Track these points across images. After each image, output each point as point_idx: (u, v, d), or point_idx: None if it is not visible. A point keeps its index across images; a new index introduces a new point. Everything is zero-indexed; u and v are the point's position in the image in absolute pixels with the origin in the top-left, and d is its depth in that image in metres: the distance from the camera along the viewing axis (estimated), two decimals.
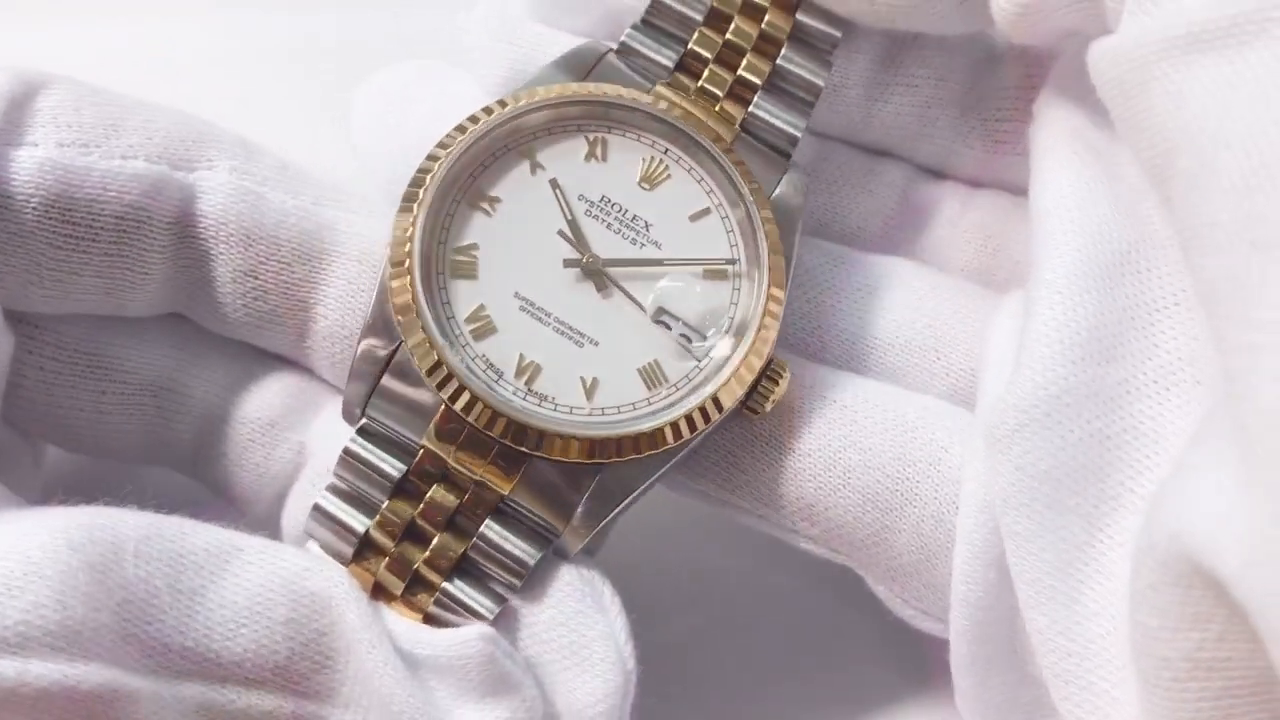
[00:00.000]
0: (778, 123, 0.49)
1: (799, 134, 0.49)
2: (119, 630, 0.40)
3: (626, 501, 0.45)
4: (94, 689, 0.39)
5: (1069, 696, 0.42)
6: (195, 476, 0.52)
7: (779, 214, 0.47)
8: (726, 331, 0.46)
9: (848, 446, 0.47)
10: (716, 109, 0.49)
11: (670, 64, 0.49)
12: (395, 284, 0.45)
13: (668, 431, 0.45)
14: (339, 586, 0.43)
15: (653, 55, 0.49)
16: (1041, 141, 0.48)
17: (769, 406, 0.46)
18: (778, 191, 0.48)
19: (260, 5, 0.66)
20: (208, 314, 0.49)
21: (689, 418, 0.45)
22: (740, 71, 0.49)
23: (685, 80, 0.49)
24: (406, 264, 0.45)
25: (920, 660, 0.51)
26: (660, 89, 0.48)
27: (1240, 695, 0.38)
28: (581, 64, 0.49)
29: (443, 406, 0.45)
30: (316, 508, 0.46)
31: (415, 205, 0.46)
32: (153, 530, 0.41)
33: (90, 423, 0.49)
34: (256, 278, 0.47)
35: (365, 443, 0.46)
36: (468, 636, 0.43)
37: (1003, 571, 0.44)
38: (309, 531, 0.46)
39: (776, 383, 0.46)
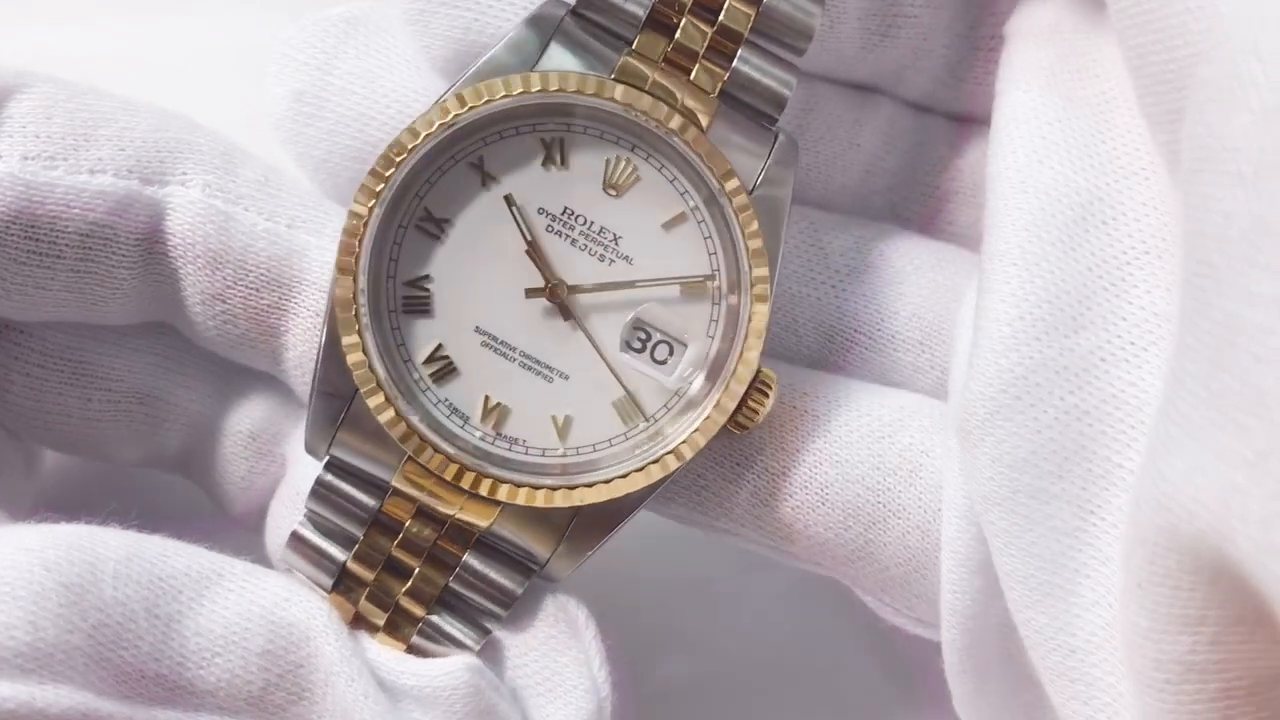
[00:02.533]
0: (766, 81, 0.43)
1: (789, 93, 0.43)
2: (92, 654, 0.39)
3: (609, 536, 0.44)
4: (63, 713, 0.38)
5: (1075, 695, 0.41)
6: (194, 481, 0.50)
7: (764, 206, 0.43)
8: (703, 365, 0.43)
9: (822, 461, 0.44)
10: (691, 77, 0.43)
11: (642, 11, 0.43)
12: (346, 339, 0.41)
13: (639, 474, 0.42)
14: (318, 618, 0.42)
15: (620, 2, 0.43)
16: (1006, 73, 0.43)
17: (753, 427, 0.43)
18: (763, 176, 0.43)
19: (264, 4, 0.59)
20: (185, 329, 0.46)
21: (665, 458, 0.42)
22: (721, 18, 0.43)
23: (656, 39, 0.43)
24: (354, 310, 0.41)
25: (911, 663, 0.50)
26: (627, 61, 0.42)
27: (1238, 696, 0.37)
28: (538, 37, 0.42)
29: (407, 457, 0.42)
30: (295, 536, 0.45)
31: (358, 241, 0.41)
32: (133, 551, 0.40)
33: (79, 428, 0.47)
34: (225, 301, 0.44)
35: (335, 478, 0.44)
36: (453, 667, 0.42)
37: (991, 576, 0.42)
38: (286, 560, 0.45)
39: (765, 396, 0.43)
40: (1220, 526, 0.33)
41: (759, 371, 0.43)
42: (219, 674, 0.40)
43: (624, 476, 0.42)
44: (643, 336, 0.43)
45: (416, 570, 0.44)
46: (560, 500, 0.42)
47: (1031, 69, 0.44)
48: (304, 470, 0.46)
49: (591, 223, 0.43)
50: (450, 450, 0.42)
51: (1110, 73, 0.43)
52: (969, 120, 0.50)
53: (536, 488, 0.42)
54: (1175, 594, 0.36)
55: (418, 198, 0.42)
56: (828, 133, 0.48)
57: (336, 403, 0.42)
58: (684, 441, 0.42)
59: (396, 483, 0.43)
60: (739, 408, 0.43)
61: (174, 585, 0.40)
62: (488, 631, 0.44)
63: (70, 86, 0.44)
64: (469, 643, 0.44)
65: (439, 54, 0.45)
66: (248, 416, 0.48)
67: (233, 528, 0.48)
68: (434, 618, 0.44)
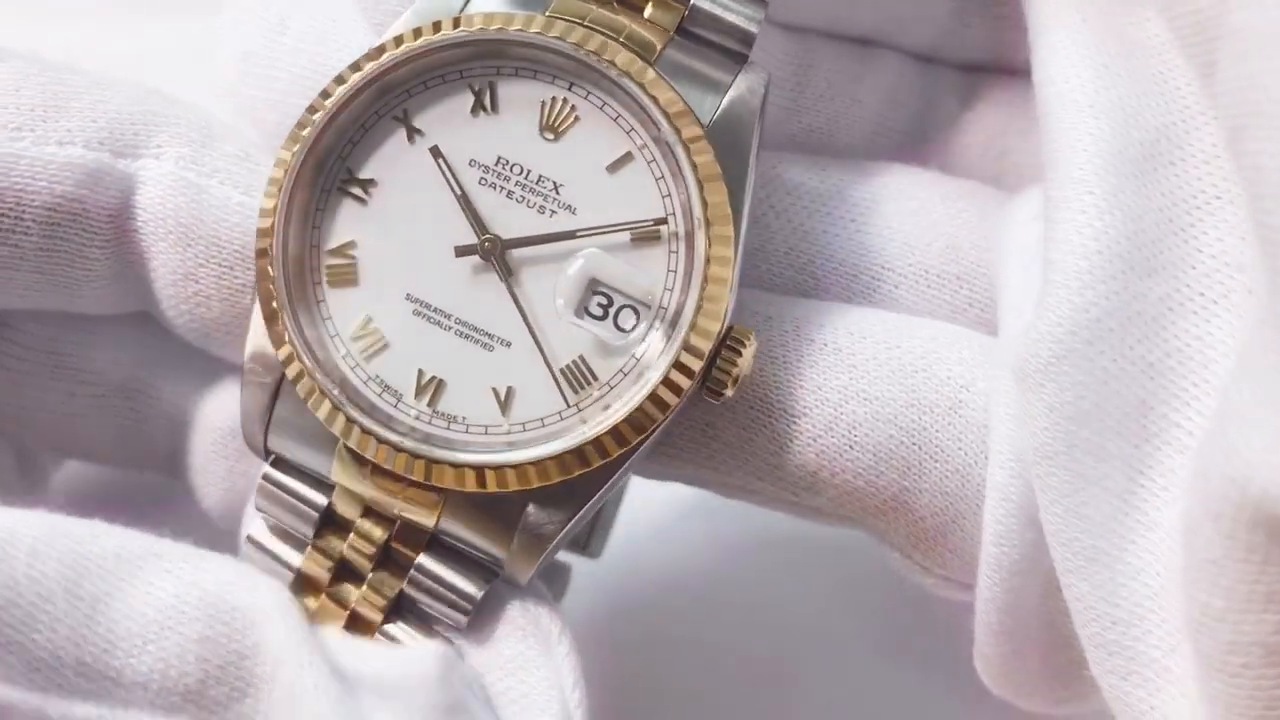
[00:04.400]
0: (730, 17, 0.39)
1: (755, 29, 0.39)
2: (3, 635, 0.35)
3: (569, 527, 0.38)
4: None
5: (1114, 669, 0.37)
6: (179, 482, 0.47)
7: (725, 139, 0.38)
8: (660, 318, 0.38)
9: (849, 398, 0.40)
10: (646, 15, 0.39)
11: None
12: (270, 321, 0.38)
13: (593, 450, 0.37)
14: (265, 600, 0.37)
15: None
16: (1041, 9, 0.39)
17: (731, 390, 0.38)
18: (723, 107, 0.38)
19: None
20: (162, 318, 0.44)
21: (620, 428, 0.37)
22: None
23: None
24: (276, 287, 0.38)
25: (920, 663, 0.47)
26: None
27: None
28: None
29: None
30: (248, 540, 0.41)
31: (275, 207, 0.38)
32: (56, 530, 0.36)
33: (61, 424, 0.45)
34: (197, 281, 0.42)
35: (280, 474, 0.40)
36: (420, 654, 0.37)
37: (1041, 530, 0.38)
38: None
39: (739, 354, 0.38)
40: None
41: (730, 327, 0.38)
42: (150, 663, 0.35)
43: (575, 452, 0.37)
44: (601, 301, 0.38)
45: (370, 575, 0.39)
46: (505, 483, 0.37)
47: (1073, 6, 0.39)
48: None
49: (528, 171, 0.38)
50: (384, 434, 0.37)
51: (1155, 17, 0.39)
52: (979, 69, 0.45)
53: (477, 469, 0.37)
54: (1264, 569, 0.33)
55: (340, 159, 0.39)
56: (828, 90, 0.44)
57: (266, 391, 0.39)
58: (638, 409, 0.37)
59: (335, 475, 0.39)
60: (708, 369, 0.37)
61: (101, 565, 0.36)
62: (449, 642, 0.39)
63: (43, 62, 0.43)
64: None
65: (382, 11, 0.42)
66: (226, 412, 0.45)
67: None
68: (390, 626, 0.40)
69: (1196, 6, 0.34)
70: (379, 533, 0.39)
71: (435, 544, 0.39)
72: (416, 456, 0.37)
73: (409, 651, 0.38)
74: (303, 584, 0.40)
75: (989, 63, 0.45)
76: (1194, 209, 0.37)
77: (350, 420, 0.38)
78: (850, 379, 0.40)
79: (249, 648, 0.36)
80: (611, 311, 0.38)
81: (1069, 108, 0.38)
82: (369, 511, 0.39)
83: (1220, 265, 0.37)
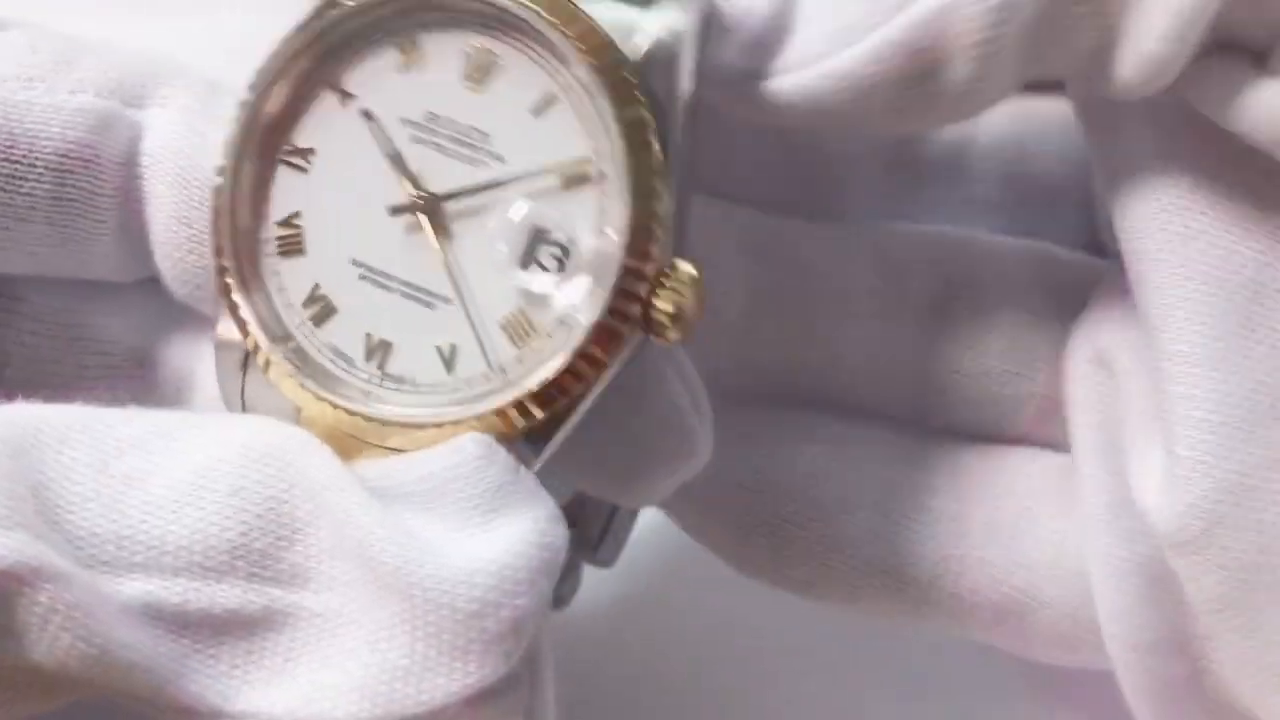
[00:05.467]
0: None
1: None
2: (42, 517, 0.35)
3: None
4: (15, 565, 0.32)
5: None
6: None
7: (657, 70, 0.36)
8: (593, 262, 0.37)
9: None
10: None
11: None
12: (232, 294, 0.39)
13: (534, 403, 0.36)
14: (294, 439, 0.36)
15: None
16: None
17: (674, 332, 0.36)
18: (656, 39, 0.37)
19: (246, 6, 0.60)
20: (161, 276, 0.44)
21: (561, 379, 0.36)
22: None
23: None
24: (227, 258, 0.39)
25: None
26: None
27: None
28: None
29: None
30: None
31: (225, 182, 0.39)
32: (88, 418, 0.36)
33: (75, 396, 0.43)
34: (190, 225, 0.42)
35: None
36: (453, 447, 0.36)
37: (1160, 630, 0.41)
38: None
39: (677, 293, 0.36)
40: None
41: (673, 264, 0.36)
42: (191, 524, 0.35)
43: (517, 405, 0.36)
44: (536, 248, 0.37)
45: None
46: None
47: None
48: None
49: (457, 123, 0.38)
50: (337, 400, 0.38)
51: None
52: None
53: (424, 427, 0.37)
54: None
55: (283, 132, 0.39)
56: None
57: (235, 367, 0.40)
58: (577, 356, 0.36)
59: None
60: (645, 311, 0.36)
61: (135, 443, 0.36)
62: None
63: (54, 30, 0.44)
64: None
65: None
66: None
67: None
68: None
69: None
70: None
71: None
72: (369, 420, 0.37)
73: (440, 450, 0.36)
74: None
75: None
76: None
77: (304, 389, 0.38)
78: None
79: (284, 490, 0.35)
80: (546, 258, 0.37)
81: (1159, 272, 0.38)
82: None
83: None
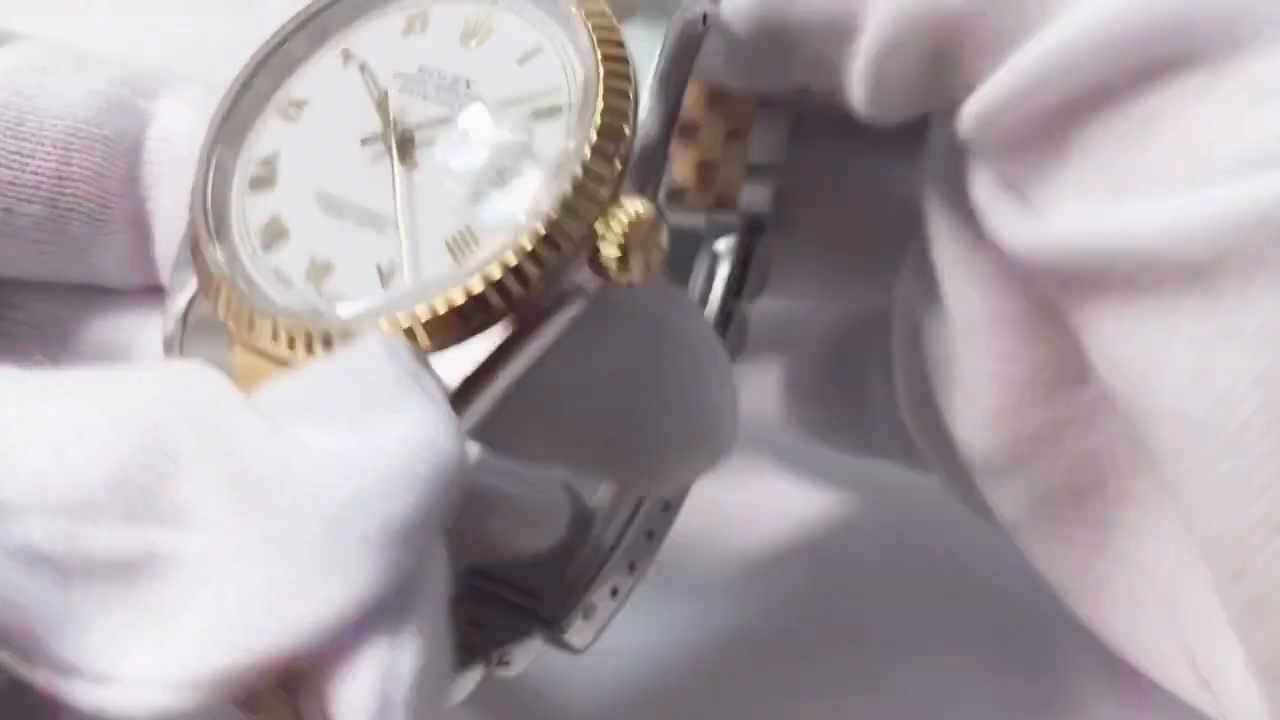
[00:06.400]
0: None
1: None
2: None
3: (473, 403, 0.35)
4: None
5: None
6: None
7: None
8: (549, 176, 0.35)
9: None
10: None
11: None
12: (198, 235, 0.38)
13: (474, 307, 0.34)
14: (186, 371, 0.33)
15: None
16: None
17: (621, 269, 0.35)
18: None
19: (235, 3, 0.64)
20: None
21: (502, 282, 0.34)
22: None
23: None
24: (198, 200, 0.39)
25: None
26: None
27: None
28: None
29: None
30: None
31: (212, 134, 0.39)
32: None
33: None
34: (189, 210, 0.41)
35: None
36: (359, 343, 0.33)
37: None
38: None
39: (626, 224, 0.34)
40: None
41: (633, 200, 0.35)
42: (70, 461, 0.31)
43: (456, 310, 0.34)
44: (492, 169, 0.36)
45: None
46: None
47: None
48: None
49: (445, 74, 0.38)
50: (274, 315, 0.36)
51: None
52: None
53: (343, 334, 0.35)
54: None
55: (278, 87, 0.40)
56: None
57: (182, 297, 0.38)
58: (516, 266, 0.34)
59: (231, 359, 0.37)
60: (592, 241, 0.35)
61: (19, 389, 0.33)
62: None
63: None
64: None
65: None
66: None
67: None
68: None
69: None
70: None
71: None
72: (296, 325, 0.35)
73: (340, 350, 0.34)
74: None
75: None
76: None
77: (240, 303, 0.36)
78: None
79: (166, 421, 0.32)
80: (501, 177, 0.36)
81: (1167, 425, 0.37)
82: None
83: None
